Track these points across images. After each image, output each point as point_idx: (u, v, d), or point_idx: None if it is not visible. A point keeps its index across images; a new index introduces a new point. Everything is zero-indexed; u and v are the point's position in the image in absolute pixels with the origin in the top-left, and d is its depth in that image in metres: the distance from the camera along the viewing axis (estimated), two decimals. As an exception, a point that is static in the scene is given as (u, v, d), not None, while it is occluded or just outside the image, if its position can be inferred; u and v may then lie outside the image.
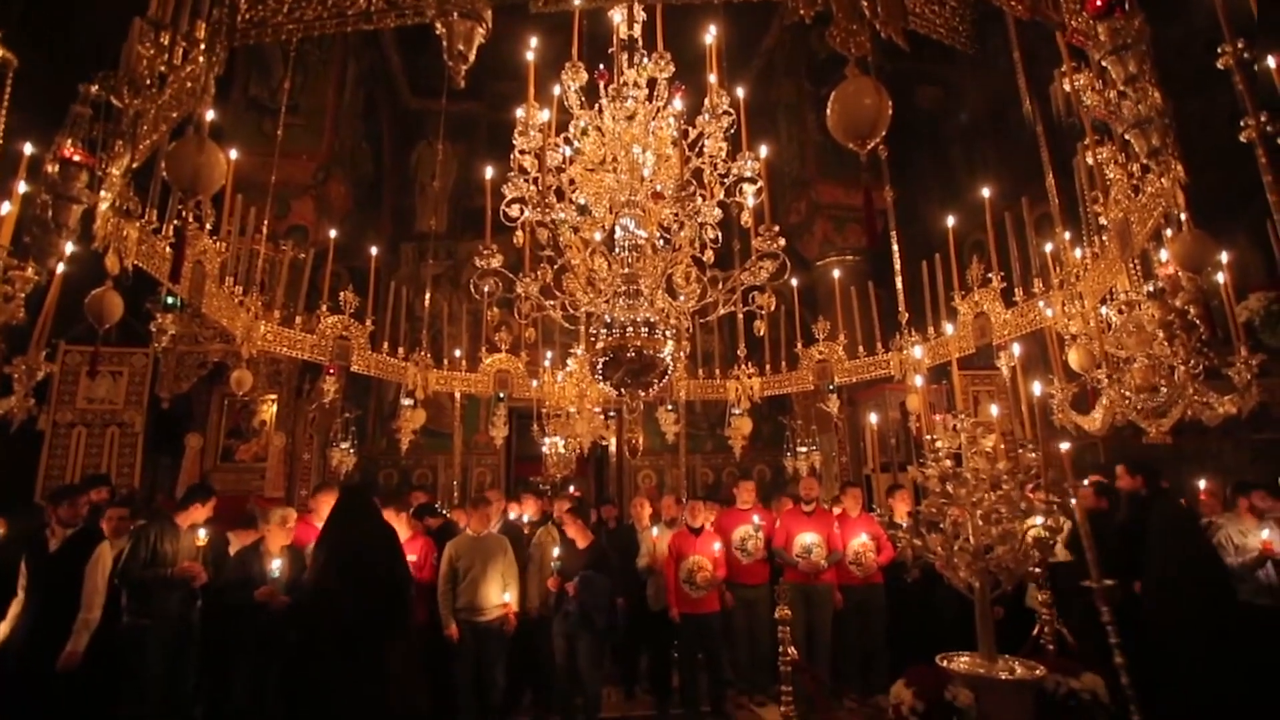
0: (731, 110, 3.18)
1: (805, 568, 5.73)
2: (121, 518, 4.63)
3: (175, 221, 3.49)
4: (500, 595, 5.10)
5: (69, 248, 3.07)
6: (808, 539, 5.87)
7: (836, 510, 6.31)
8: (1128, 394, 3.76)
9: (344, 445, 7.19)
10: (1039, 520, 3.21)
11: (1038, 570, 3.46)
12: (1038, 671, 3.22)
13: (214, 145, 2.49)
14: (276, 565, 4.54)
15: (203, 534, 4.58)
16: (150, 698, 4.34)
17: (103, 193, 2.51)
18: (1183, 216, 2.93)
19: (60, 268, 3.29)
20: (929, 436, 3.24)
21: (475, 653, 5.01)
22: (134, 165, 2.68)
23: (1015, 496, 3.12)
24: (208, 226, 4.15)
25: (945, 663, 3.20)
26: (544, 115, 3.20)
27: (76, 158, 2.18)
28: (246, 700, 4.55)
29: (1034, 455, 3.17)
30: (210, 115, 2.85)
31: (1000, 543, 3.15)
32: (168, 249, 3.46)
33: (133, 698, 4.36)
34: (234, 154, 3.45)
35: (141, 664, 4.34)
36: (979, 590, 3.23)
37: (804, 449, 7.79)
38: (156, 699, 4.36)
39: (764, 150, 3.11)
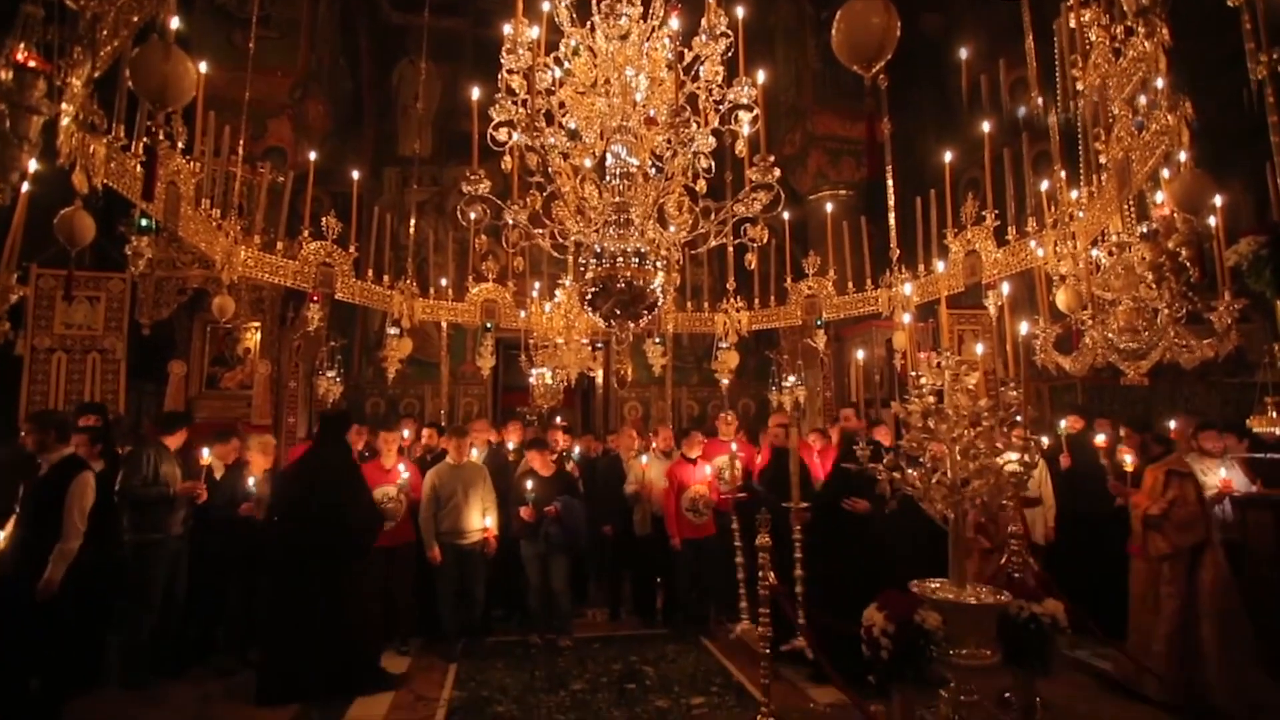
0: (729, 32, 3.04)
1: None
2: (82, 443, 4.66)
3: (145, 139, 3.33)
4: (481, 520, 5.35)
5: (33, 165, 2.93)
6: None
7: (817, 444, 6.45)
8: (1110, 335, 3.81)
9: (330, 374, 7.15)
10: (1013, 456, 3.31)
11: (1010, 504, 3.59)
12: (1002, 597, 3.39)
13: (181, 53, 2.34)
14: (252, 482, 4.91)
15: (206, 453, 4.78)
16: (152, 612, 4.53)
17: (64, 105, 2.37)
18: (1183, 156, 2.88)
19: (25, 186, 3.15)
20: (914, 373, 3.28)
21: (458, 570, 5.29)
22: (95, 74, 2.52)
23: (995, 434, 3.20)
24: (180, 145, 3.97)
25: (917, 588, 3.35)
26: (533, 33, 3.04)
27: (32, 63, 2.04)
28: (239, 610, 4.89)
29: (1015, 394, 3.23)
30: (175, 22, 2.67)
31: (977, 477, 3.25)
32: (138, 168, 3.31)
33: (135, 613, 4.53)
34: (203, 67, 3.25)
35: (144, 580, 4.52)
36: (953, 521, 3.35)
37: (789, 384, 7.87)
38: (156, 613, 4.54)
39: (761, 76, 2.99)
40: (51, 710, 3.89)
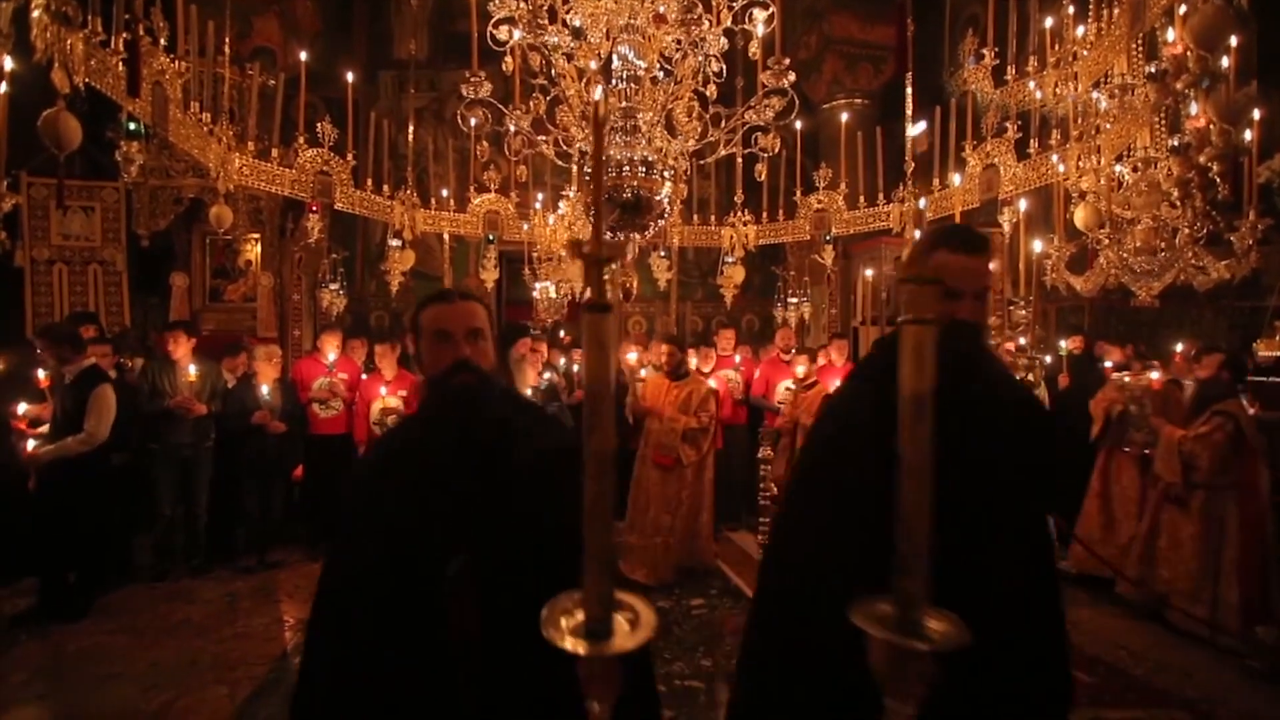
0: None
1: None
2: (104, 355, 4.76)
3: (125, 34, 3.15)
4: None
5: (8, 64, 2.79)
6: (791, 385, 6.14)
7: (821, 360, 6.49)
8: (1126, 255, 3.73)
9: (333, 287, 7.11)
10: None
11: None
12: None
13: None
14: (265, 391, 5.06)
15: (193, 370, 4.83)
16: (167, 514, 4.81)
17: (35, -5, 2.23)
18: (1226, 61, 2.71)
19: (3, 86, 3.01)
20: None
21: None
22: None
23: (1000, 353, 3.19)
24: (163, 42, 3.76)
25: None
26: (533, -85, 2.80)
27: (-6, -57, 1.89)
28: (255, 512, 5.16)
29: (1024, 313, 3.19)
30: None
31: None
32: (120, 65, 3.15)
33: (152, 515, 4.83)
34: (180, -47, 3.03)
35: (158, 485, 4.79)
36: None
37: (794, 300, 7.80)
38: (171, 516, 4.82)
39: (779, -31, 2.78)
40: (86, 600, 4.17)
